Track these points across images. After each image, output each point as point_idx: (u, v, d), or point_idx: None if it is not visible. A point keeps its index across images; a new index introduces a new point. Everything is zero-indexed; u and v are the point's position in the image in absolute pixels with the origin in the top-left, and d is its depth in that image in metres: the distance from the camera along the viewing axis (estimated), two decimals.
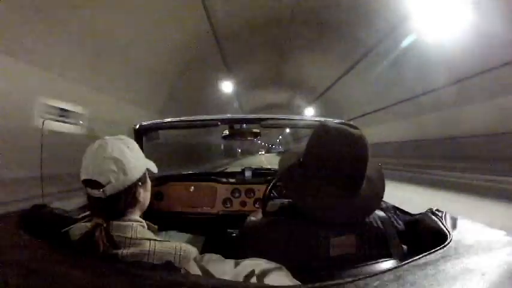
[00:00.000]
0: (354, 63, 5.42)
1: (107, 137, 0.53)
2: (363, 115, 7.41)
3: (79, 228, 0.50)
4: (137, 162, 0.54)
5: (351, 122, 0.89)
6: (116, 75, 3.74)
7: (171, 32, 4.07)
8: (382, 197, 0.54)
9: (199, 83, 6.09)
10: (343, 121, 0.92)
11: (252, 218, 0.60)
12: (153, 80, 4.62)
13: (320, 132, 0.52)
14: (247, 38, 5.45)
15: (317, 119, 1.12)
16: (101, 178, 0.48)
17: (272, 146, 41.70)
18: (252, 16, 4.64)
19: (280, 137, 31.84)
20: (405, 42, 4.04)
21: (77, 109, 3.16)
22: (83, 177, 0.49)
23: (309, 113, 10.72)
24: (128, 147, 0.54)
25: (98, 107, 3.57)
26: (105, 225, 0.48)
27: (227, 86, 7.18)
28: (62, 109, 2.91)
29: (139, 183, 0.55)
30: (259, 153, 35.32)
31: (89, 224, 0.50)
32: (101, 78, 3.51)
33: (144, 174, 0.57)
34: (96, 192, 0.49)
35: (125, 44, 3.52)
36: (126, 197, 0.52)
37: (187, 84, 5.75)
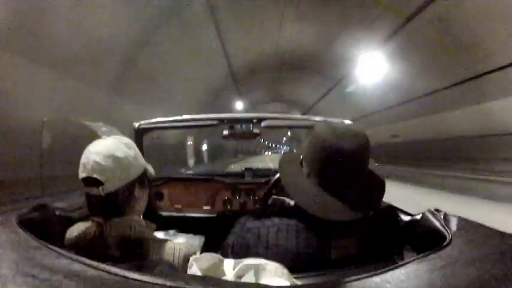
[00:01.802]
0: (328, 89, 8.90)
1: (105, 136, 0.54)
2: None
3: (78, 228, 0.50)
4: (136, 161, 0.54)
5: (351, 122, 0.87)
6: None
7: (207, 75, 7.25)
8: (382, 196, 0.53)
9: (222, 105, 9.50)
10: (342, 120, 0.90)
11: (252, 219, 0.59)
12: (196, 106, 7.59)
13: (320, 131, 0.52)
14: (254, 75, 8.94)
15: (317, 118, 1.10)
16: (100, 175, 0.48)
17: (278, 146, 41.59)
18: (257, 61, 7.91)
19: (285, 138, 31.79)
20: (350, 88, 7.37)
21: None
22: (82, 175, 0.49)
23: None
24: (127, 146, 0.54)
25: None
26: (104, 224, 0.48)
27: (239, 105, 10.71)
28: None
29: (138, 182, 0.55)
30: (265, 153, 35.36)
31: (88, 224, 0.50)
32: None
33: (143, 174, 0.57)
34: (95, 191, 0.49)
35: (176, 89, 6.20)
36: (124, 195, 0.51)
37: (215, 107, 8.95)
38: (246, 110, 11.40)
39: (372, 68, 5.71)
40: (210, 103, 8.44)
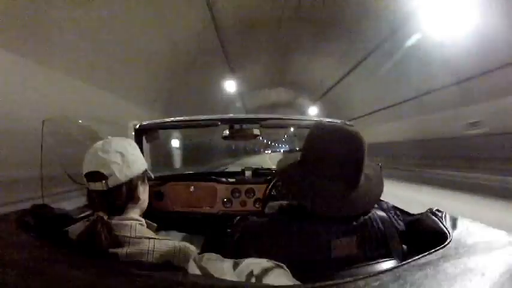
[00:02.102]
0: (357, 63, 5.37)
1: (109, 137, 0.55)
2: (368, 114, 7.37)
3: (79, 228, 0.50)
4: (138, 159, 0.56)
5: (350, 122, 0.87)
6: (120, 73, 3.76)
7: (175, 29, 4.03)
8: (380, 194, 0.54)
9: (202, 81, 6.10)
10: (342, 121, 0.91)
11: (252, 218, 0.60)
12: (156, 78, 4.60)
13: (316, 130, 0.53)
14: (251, 38, 5.46)
15: (316, 118, 1.11)
16: (104, 169, 0.50)
17: (278, 145, 41.64)
18: (255, 15, 4.64)
19: (286, 136, 31.82)
20: (410, 42, 4.00)
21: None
22: (86, 170, 0.51)
23: (313, 111, 10.72)
24: (130, 145, 0.56)
25: (98, 105, 3.59)
26: (105, 222, 0.48)
27: (230, 86, 7.30)
28: None
29: (140, 180, 0.56)
30: (266, 152, 35.31)
31: (89, 223, 0.50)
32: (102, 76, 3.48)
33: (144, 172, 0.58)
34: (98, 185, 0.50)
35: (129, 42, 3.55)
36: (127, 191, 0.53)
37: (190, 83, 5.77)
38: (240, 94, 9.00)
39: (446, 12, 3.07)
40: (182, 76, 5.14)
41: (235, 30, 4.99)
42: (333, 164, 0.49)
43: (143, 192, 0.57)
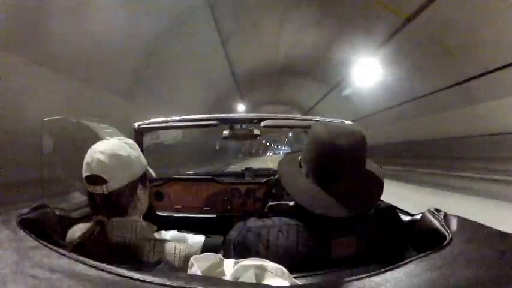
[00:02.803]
0: (327, 92, 9.55)
1: (109, 137, 0.55)
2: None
3: (79, 228, 0.51)
4: (138, 161, 0.55)
5: (350, 122, 0.88)
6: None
7: (211, 81, 7.71)
8: (381, 194, 0.53)
9: (225, 108, 9.81)
10: (342, 120, 0.90)
11: (252, 218, 0.60)
12: (201, 110, 7.62)
13: (317, 130, 0.52)
14: (256, 79, 9.51)
15: (316, 118, 1.11)
16: (104, 173, 0.49)
17: (279, 147, 41.44)
18: (259, 66, 8.47)
19: (287, 139, 31.79)
20: (346, 91, 8.00)
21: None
22: (86, 173, 0.50)
23: None
24: (130, 146, 0.55)
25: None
26: (105, 223, 0.48)
27: (241, 107, 11.21)
28: None
29: (140, 182, 0.56)
30: (267, 154, 35.24)
31: (89, 224, 0.50)
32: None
33: (144, 174, 0.57)
34: (98, 189, 0.49)
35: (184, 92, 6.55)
36: (127, 194, 0.52)
37: (218, 110, 9.15)
38: (247, 112, 11.85)
39: (368, 72, 6.24)
40: (213, 106, 8.78)
41: (246, 76, 8.85)
42: (334, 164, 0.49)
43: (143, 194, 0.57)
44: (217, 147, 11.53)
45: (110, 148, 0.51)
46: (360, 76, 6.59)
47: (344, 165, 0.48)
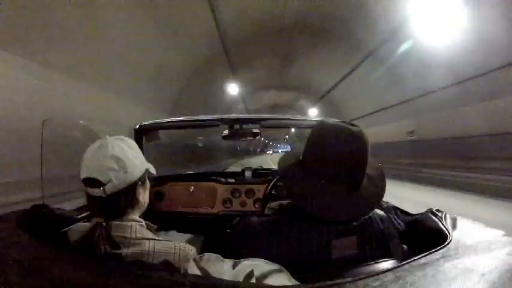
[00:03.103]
0: (355, 66, 5.84)
1: (107, 137, 0.53)
2: (367, 115, 7.48)
3: (79, 229, 0.50)
4: (137, 161, 0.54)
5: (352, 121, 0.85)
6: (126, 77, 4.00)
7: (181, 37, 4.48)
8: (382, 195, 0.53)
9: (207, 84, 6.55)
10: (342, 120, 0.90)
11: (252, 218, 0.60)
12: (162, 82, 4.96)
13: (319, 130, 0.52)
14: (253, 44, 5.91)
15: (317, 118, 1.11)
16: (101, 176, 0.48)
17: (279, 145, 41.51)
18: (257, 23, 5.08)
19: (287, 136, 31.79)
20: (403, 47, 4.39)
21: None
22: (84, 175, 0.49)
23: (313, 113, 10.80)
24: (128, 146, 0.54)
25: (103, 107, 3.65)
26: (105, 224, 0.48)
27: (233, 88, 7.67)
28: None
29: (139, 183, 0.55)
30: (267, 152, 35.22)
31: (88, 224, 0.50)
32: (108, 78, 3.66)
33: (144, 174, 0.57)
34: (96, 191, 0.49)
35: (135, 47, 3.83)
36: (126, 196, 0.52)
37: (196, 86, 6.12)
38: (242, 96, 9.43)
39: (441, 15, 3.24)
40: (189, 80, 5.70)
41: (239, 38, 5.42)
42: (335, 165, 0.48)
43: (143, 195, 0.56)
44: (208, 147, 9.07)
45: (108, 149, 0.50)
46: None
47: (346, 168, 0.48)
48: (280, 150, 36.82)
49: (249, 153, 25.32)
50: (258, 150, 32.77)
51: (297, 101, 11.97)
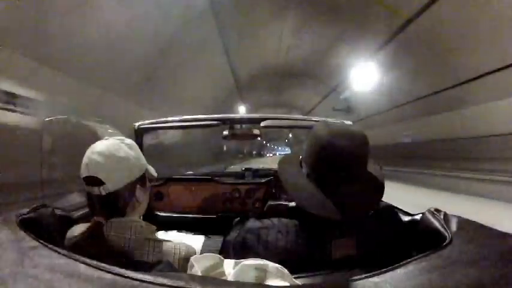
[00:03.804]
0: (325, 95, 9.70)
1: (107, 137, 0.54)
2: None
3: (79, 228, 0.50)
4: (137, 161, 0.54)
5: (351, 123, 0.88)
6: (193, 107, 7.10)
7: (211, 84, 7.97)
8: (382, 195, 0.53)
9: (226, 109, 10.09)
10: (342, 121, 0.90)
11: (252, 219, 0.60)
12: (202, 110, 7.58)
13: (319, 130, 0.52)
14: (256, 82, 10.03)
15: (317, 119, 1.11)
16: (101, 175, 0.49)
17: (280, 148, 41.39)
18: (260, 70, 8.91)
19: (287, 140, 31.77)
20: (346, 94, 8.11)
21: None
22: (84, 174, 0.50)
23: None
24: (128, 147, 0.54)
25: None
26: (105, 224, 0.48)
27: (242, 109, 11.37)
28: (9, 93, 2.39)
29: (139, 183, 0.55)
30: (268, 155, 35.06)
31: (88, 224, 0.50)
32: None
33: (144, 174, 0.57)
34: (96, 190, 0.49)
35: (187, 97, 6.74)
36: (126, 195, 0.52)
37: (220, 112, 8.71)
38: (248, 113, 12.01)
39: (365, 76, 6.34)
40: (216, 109, 8.99)
41: (246, 79, 9.19)
42: (335, 165, 0.48)
43: (143, 194, 0.56)
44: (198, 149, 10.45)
45: (108, 149, 0.50)
46: (358, 79, 6.71)
47: (345, 167, 0.48)
48: (277, 153, 36.73)
49: (251, 155, 25.31)
50: (258, 152, 32.67)
51: (289, 114, 15.60)
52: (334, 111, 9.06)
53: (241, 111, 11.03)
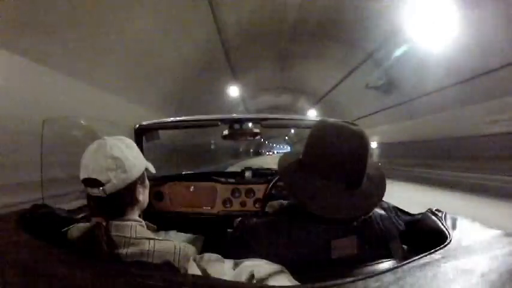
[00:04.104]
0: (352, 69, 6.00)
1: (106, 137, 0.53)
2: (364, 116, 7.51)
3: (79, 228, 0.50)
4: (136, 161, 0.54)
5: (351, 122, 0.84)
6: (132, 78, 4.05)
7: (184, 42, 4.61)
8: (382, 195, 0.53)
9: (208, 87, 6.70)
10: (342, 120, 0.90)
11: (251, 219, 0.59)
12: (166, 85, 5.12)
13: (319, 129, 0.52)
14: (253, 48, 6.07)
15: (317, 118, 1.10)
16: (100, 176, 0.48)
17: (279, 146, 41.54)
18: (256, 29, 5.25)
19: (287, 137, 31.80)
20: (398, 52, 4.53)
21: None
22: (83, 176, 0.50)
23: (312, 114, 10.97)
24: (127, 146, 0.54)
25: (106, 108, 3.65)
26: (104, 224, 0.48)
27: (234, 90, 7.87)
28: None
29: (139, 182, 0.55)
30: (267, 153, 35.15)
31: (88, 224, 0.50)
32: (112, 79, 3.66)
33: (143, 173, 0.57)
34: (95, 191, 0.49)
35: (140, 49, 3.83)
36: (125, 195, 0.52)
37: (197, 89, 6.27)
38: (242, 98, 9.56)
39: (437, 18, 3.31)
40: (191, 82, 5.72)
41: (239, 41, 5.51)
42: (335, 164, 0.48)
43: (142, 194, 0.56)
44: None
45: (107, 149, 0.50)
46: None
47: (346, 167, 0.48)
48: (276, 151, 36.79)
49: (248, 154, 25.24)
50: (258, 151, 32.69)
51: (296, 102, 12.19)
52: (367, 90, 5.90)
53: (234, 93, 7.91)
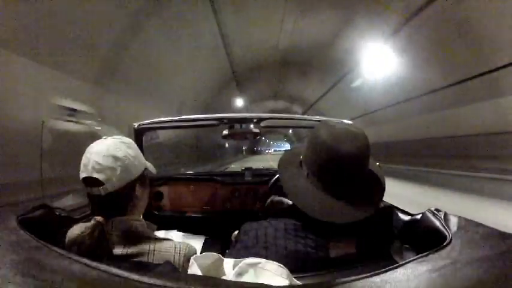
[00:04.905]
0: (332, 85, 8.49)
1: (105, 137, 0.54)
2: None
3: (79, 228, 0.51)
4: (136, 160, 0.54)
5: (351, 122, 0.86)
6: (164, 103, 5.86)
7: (206, 72, 7.12)
8: (382, 196, 0.53)
9: (222, 102, 9.56)
10: (342, 121, 0.89)
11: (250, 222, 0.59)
12: (192, 99, 7.37)
13: (320, 130, 0.51)
14: (255, 71, 8.77)
15: (317, 118, 1.09)
16: (100, 175, 0.49)
17: (278, 144, 41.51)
18: (258, 57, 7.71)
19: (286, 136, 31.67)
20: (356, 82, 6.92)
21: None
22: (83, 175, 0.50)
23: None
24: (127, 146, 0.54)
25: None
26: (105, 223, 0.48)
27: (239, 102, 10.66)
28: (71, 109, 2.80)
29: (139, 182, 0.55)
30: (267, 151, 35.27)
31: (89, 224, 0.50)
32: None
33: (143, 173, 0.57)
34: (96, 190, 0.49)
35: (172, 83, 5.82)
36: (125, 195, 0.52)
37: (215, 104, 9.01)
38: (245, 107, 11.33)
39: (379, 62, 5.24)
40: (209, 100, 8.40)
41: (244, 66, 8.01)
42: (336, 168, 0.48)
43: (142, 193, 0.57)
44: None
45: (106, 149, 0.50)
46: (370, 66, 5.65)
47: (346, 170, 0.48)
48: (274, 150, 36.80)
49: (252, 152, 25.30)
50: (261, 149, 32.65)
51: (291, 108, 14.29)
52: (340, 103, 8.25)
53: (239, 104, 10.36)
